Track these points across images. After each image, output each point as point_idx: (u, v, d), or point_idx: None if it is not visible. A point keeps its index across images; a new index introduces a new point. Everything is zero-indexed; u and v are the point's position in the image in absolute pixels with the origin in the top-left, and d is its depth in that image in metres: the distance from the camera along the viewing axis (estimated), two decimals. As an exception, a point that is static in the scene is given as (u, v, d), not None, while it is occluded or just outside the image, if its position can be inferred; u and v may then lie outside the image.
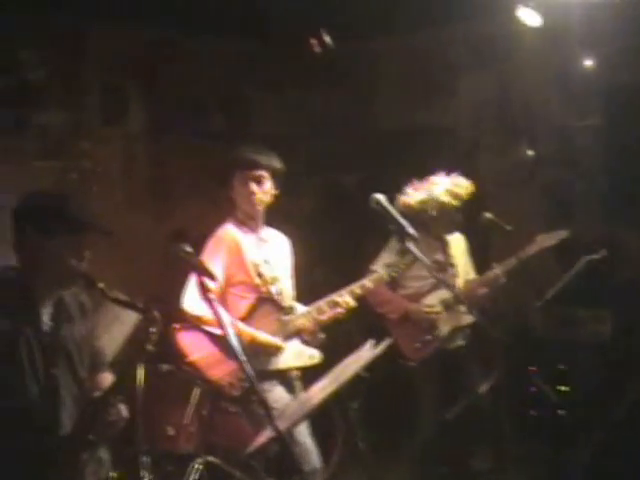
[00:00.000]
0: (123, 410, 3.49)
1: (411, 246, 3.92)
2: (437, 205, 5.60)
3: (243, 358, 3.18)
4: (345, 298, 4.71)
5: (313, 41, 7.18)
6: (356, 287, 4.76)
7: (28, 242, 3.37)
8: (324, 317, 4.73)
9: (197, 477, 5.69)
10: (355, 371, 3.59)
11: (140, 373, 5.74)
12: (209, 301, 3.27)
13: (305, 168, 8.05)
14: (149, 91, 7.62)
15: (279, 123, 8.04)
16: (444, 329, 5.69)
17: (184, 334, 4.79)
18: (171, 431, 5.91)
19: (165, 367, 5.84)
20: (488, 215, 5.73)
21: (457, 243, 5.90)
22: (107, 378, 3.63)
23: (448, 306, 5.64)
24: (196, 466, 5.67)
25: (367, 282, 4.81)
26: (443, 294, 5.64)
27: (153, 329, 3.44)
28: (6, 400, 3.32)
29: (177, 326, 4.73)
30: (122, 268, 6.42)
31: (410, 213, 5.44)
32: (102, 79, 7.35)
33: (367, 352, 3.71)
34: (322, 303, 4.74)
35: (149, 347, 3.45)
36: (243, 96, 8.06)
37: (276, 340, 4.65)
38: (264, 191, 4.75)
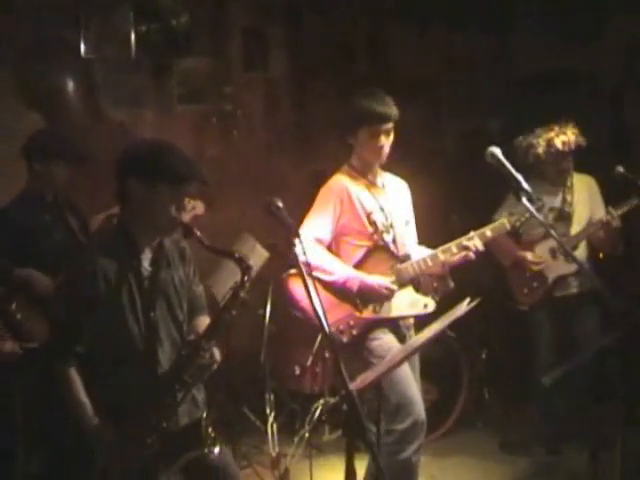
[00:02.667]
0: (216, 354, 3.61)
1: (526, 201, 3.91)
2: (546, 151, 5.70)
3: (324, 323, 3.22)
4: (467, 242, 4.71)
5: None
6: (476, 235, 4.73)
7: (130, 192, 3.53)
8: (452, 259, 4.73)
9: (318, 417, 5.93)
10: (441, 327, 3.71)
11: (266, 313, 6.01)
12: (295, 257, 3.34)
13: (447, 112, 8.01)
14: (292, 36, 7.71)
15: (423, 66, 7.99)
16: (550, 277, 5.81)
17: (297, 280, 4.90)
18: (297, 371, 6.13)
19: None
20: (620, 169, 5.60)
21: (583, 186, 5.90)
22: (204, 322, 3.77)
23: (555, 255, 5.78)
24: (319, 406, 5.91)
25: (487, 230, 4.76)
26: (553, 243, 5.69)
27: (246, 277, 3.59)
28: (109, 340, 3.55)
29: (290, 272, 4.84)
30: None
31: (529, 157, 5.72)
32: (244, 25, 7.48)
33: (459, 310, 3.79)
34: (437, 251, 4.75)
35: (242, 294, 3.60)
36: (387, 38, 8.03)
37: (387, 281, 4.67)
38: (389, 142, 4.76)
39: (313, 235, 4.66)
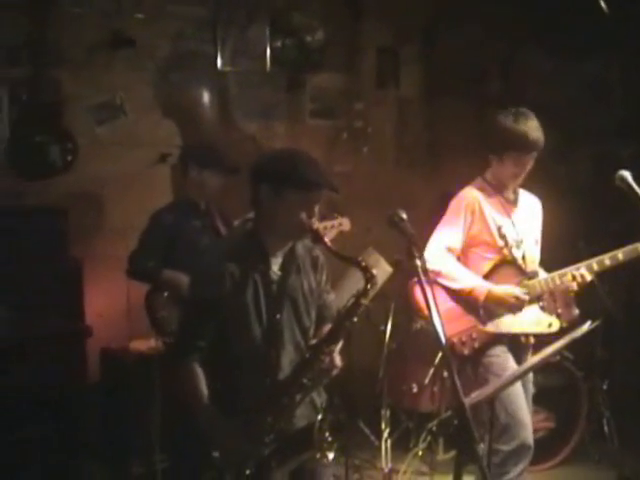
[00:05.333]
0: (337, 359, 3.62)
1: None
2: None
3: (440, 330, 3.18)
4: (581, 271, 4.64)
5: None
6: (607, 258, 4.67)
7: (263, 198, 3.59)
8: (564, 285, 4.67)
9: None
10: (556, 348, 3.66)
11: (387, 329, 6.02)
12: (415, 268, 3.32)
13: (581, 137, 7.89)
14: (425, 54, 7.77)
15: (557, 91, 7.89)
16: None
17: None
18: (415, 389, 6.11)
19: (417, 326, 6.05)
20: None
21: None
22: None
23: None
24: (433, 427, 5.88)
25: (619, 254, 4.66)
26: None
27: (369, 285, 3.60)
28: (232, 340, 3.61)
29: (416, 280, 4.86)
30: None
31: None
32: (378, 42, 7.57)
33: (578, 332, 3.74)
34: (567, 270, 4.68)
35: (364, 302, 3.61)
36: (520, 61, 7.98)
37: (515, 290, 4.63)
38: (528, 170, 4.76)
39: (444, 244, 4.70)
